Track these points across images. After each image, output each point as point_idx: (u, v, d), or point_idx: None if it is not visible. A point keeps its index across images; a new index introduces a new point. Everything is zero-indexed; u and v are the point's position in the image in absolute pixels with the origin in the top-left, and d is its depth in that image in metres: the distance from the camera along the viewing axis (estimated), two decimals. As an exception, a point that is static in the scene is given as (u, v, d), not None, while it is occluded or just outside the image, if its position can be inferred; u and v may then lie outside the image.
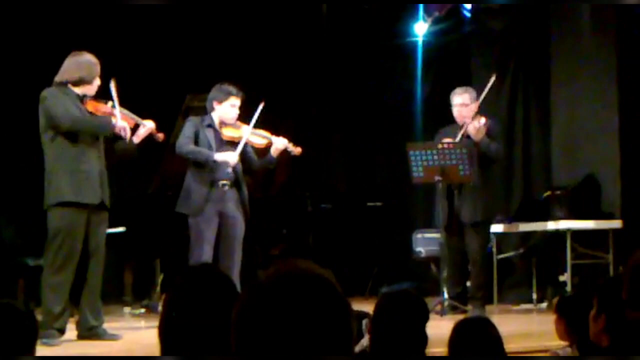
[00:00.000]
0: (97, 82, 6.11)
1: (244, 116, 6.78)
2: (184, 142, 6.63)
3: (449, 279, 7.46)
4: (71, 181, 5.94)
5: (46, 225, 6.02)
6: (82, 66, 6.09)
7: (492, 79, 7.51)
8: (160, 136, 6.37)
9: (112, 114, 6.13)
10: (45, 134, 6.01)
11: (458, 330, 3.27)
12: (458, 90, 7.62)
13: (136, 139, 6.23)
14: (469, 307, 7.37)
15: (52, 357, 5.21)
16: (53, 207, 5.95)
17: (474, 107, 7.49)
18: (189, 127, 6.71)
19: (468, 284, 7.78)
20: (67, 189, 5.93)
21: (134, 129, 6.25)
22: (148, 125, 6.26)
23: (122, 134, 6.10)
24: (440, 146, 7.36)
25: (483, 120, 7.37)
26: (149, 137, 6.31)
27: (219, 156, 6.59)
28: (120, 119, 6.10)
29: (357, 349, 3.38)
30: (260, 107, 6.70)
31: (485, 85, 7.53)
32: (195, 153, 6.61)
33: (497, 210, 8.23)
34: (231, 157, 6.59)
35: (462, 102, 7.51)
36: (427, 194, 7.80)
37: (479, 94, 7.51)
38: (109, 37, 8.67)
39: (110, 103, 6.15)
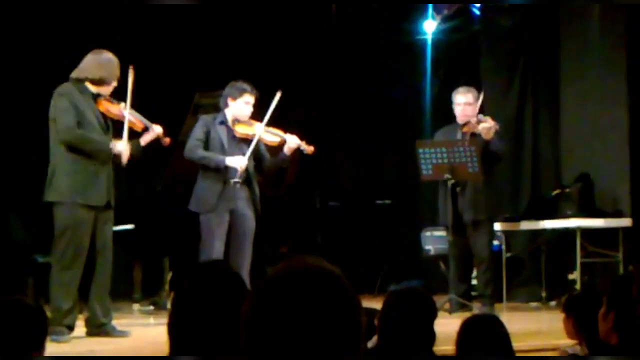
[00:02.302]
0: (115, 84, 6.12)
1: (255, 114, 6.78)
2: (194, 146, 6.64)
3: (455, 277, 7.48)
4: (75, 181, 5.93)
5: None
6: (103, 66, 6.09)
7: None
8: (167, 140, 6.38)
9: (122, 116, 6.15)
10: (53, 125, 6.01)
11: (466, 328, 3.27)
12: (461, 89, 7.65)
13: (143, 142, 6.27)
14: (478, 305, 7.37)
15: (61, 358, 5.21)
16: (58, 204, 5.95)
17: (476, 106, 7.54)
18: (199, 128, 6.71)
19: (475, 282, 7.78)
20: (69, 189, 5.91)
21: (142, 131, 6.28)
22: (156, 131, 6.29)
23: (118, 160, 6.10)
24: (449, 144, 7.36)
25: (490, 121, 7.37)
26: (156, 140, 6.33)
27: (230, 161, 6.61)
28: (129, 120, 6.13)
29: (370, 344, 3.38)
30: (277, 97, 6.69)
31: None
32: (207, 159, 6.62)
33: (501, 208, 8.21)
34: (241, 162, 6.61)
35: (466, 101, 7.54)
36: (435, 192, 7.78)
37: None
38: (118, 34, 8.67)
39: (122, 104, 6.16)
